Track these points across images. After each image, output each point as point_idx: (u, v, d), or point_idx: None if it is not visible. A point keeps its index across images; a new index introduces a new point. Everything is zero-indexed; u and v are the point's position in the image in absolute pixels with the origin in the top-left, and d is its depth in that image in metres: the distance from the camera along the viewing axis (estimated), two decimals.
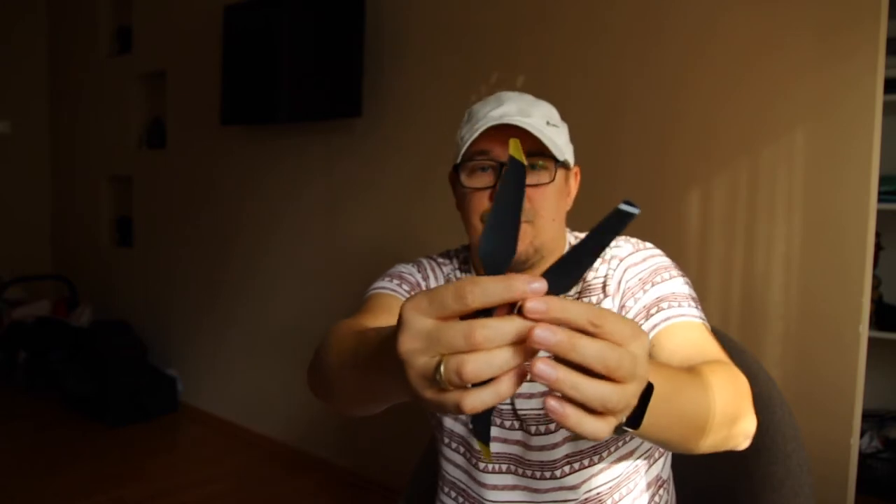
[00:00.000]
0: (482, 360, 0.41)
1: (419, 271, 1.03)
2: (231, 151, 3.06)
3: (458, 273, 1.04)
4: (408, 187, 2.38)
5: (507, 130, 0.87)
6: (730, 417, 0.70)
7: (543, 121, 0.91)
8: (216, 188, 3.17)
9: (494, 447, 0.96)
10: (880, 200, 1.53)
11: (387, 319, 0.86)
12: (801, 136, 1.56)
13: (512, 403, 0.94)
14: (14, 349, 3.65)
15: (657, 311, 0.87)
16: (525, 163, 0.46)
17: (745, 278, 1.66)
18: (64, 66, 4.24)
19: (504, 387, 0.42)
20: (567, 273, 0.45)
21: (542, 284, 0.41)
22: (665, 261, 0.93)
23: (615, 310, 0.89)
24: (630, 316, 0.89)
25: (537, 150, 0.89)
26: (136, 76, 3.63)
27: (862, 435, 2.03)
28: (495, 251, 0.45)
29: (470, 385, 0.42)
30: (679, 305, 0.87)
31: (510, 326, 0.41)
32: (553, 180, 0.91)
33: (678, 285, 0.90)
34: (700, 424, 0.67)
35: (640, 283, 0.90)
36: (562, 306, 0.41)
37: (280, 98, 2.67)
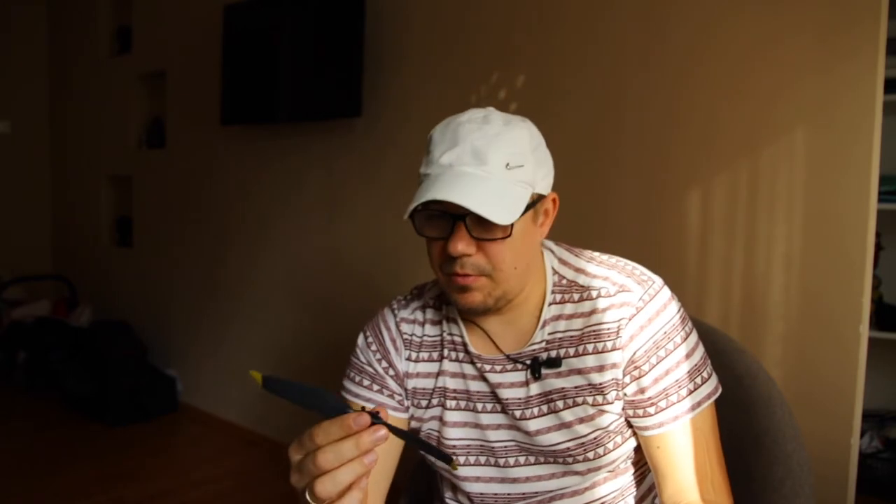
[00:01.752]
0: (328, 481, 0.57)
1: (369, 346, 0.99)
2: (231, 151, 3.06)
3: (422, 313, 1.00)
4: (407, 187, 2.38)
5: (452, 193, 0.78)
6: None
7: (503, 163, 0.81)
8: (216, 188, 3.17)
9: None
10: (880, 200, 1.53)
11: None
12: (802, 136, 1.55)
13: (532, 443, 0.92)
14: (14, 349, 3.65)
15: (664, 408, 0.86)
16: (260, 386, 0.60)
17: (746, 278, 1.65)
18: (64, 65, 4.24)
19: (355, 494, 0.58)
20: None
21: (365, 419, 0.56)
22: (674, 314, 0.88)
23: (624, 362, 0.86)
24: (642, 385, 0.86)
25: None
26: (136, 76, 3.63)
27: (862, 435, 2.03)
28: (320, 409, 0.59)
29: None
30: (680, 400, 0.86)
31: (347, 447, 0.56)
32: (509, 235, 0.82)
33: (683, 356, 0.87)
34: None
35: (655, 347, 0.86)
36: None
37: (280, 98, 2.67)
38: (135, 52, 3.61)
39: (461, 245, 0.81)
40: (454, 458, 0.59)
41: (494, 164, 0.81)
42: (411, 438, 0.64)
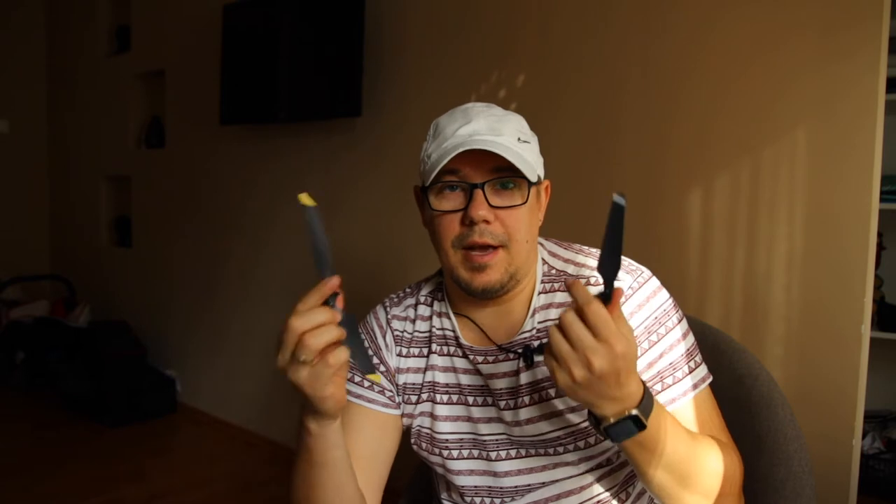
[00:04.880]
0: (314, 338, 0.76)
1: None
2: (230, 151, 3.06)
3: (413, 310, 1.01)
4: (407, 186, 2.37)
5: (478, 154, 0.84)
6: (713, 488, 0.80)
7: (515, 137, 0.87)
8: (215, 188, 3.16)
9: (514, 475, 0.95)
10: (882, 200, 1.52)
11: (356, 437, 0.97)
12: (803, 135, 1.55)
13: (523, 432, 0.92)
14: (12, 349, 3.64)
15: (659, 391, 0.86)
16: (314, 204, 0.74)
17: (747, 278, 1.65)
18: (62, 65, 4.24)
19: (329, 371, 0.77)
20: (606, 268, 0.70)
21: (334, 281, 0.80)
22: (664, 300, 0.90)
23: None
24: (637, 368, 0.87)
25: (509, 169, 0.84)
26: (135, 75, 3.63)
27: (864, 436, 2.03)
28: (323, 274, 0.77)
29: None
30: (676, 381, 0.86)
31: (319, 315, 0.79)
32: (526, 201, 0.87)
33: (677, 339, 0.88)
34: (684, 475, 0.77)
35: (646, 332, 0.87)
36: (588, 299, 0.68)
37: (280, 97, 2.66)
38: (134, 51, 3.60)
39: (483, 210, 0.84)
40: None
41: (509, 137, 0.87)
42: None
